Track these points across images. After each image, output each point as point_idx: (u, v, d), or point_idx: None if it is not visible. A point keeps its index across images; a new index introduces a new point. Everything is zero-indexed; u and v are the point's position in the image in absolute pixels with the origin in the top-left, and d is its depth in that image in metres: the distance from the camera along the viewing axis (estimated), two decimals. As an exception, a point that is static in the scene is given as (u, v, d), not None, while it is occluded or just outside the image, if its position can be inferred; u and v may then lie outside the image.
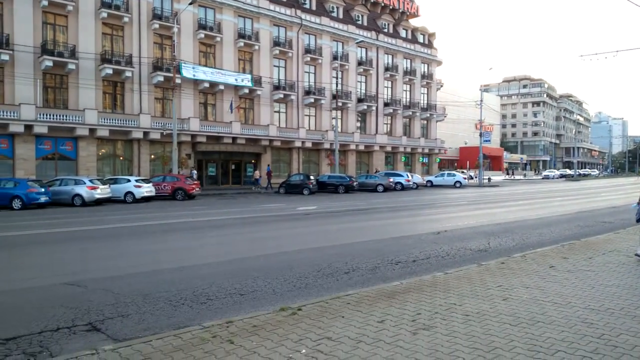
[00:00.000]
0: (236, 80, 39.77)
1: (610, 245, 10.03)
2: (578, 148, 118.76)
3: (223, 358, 4.16)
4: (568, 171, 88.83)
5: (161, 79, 35.27)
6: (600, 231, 12.91)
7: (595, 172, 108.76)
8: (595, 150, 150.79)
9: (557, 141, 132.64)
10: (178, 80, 33.81)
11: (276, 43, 43.35)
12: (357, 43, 44.88)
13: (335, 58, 47.64)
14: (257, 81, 41.27)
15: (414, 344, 4.39)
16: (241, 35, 40.74)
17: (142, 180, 27.06)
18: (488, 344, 4.37)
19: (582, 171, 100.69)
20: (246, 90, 40.63)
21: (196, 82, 37.92)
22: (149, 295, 6.64)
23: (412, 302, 5.81)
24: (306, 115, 46.96)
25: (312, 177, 35.47)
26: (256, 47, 41.62)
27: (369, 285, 7.00)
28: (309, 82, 46.47)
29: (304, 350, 4.28)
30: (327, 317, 5.23)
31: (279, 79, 43.89)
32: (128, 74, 33.98)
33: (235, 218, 17.53)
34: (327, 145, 46.04)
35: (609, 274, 7.29)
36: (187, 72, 36.49)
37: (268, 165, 42.48)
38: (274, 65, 43.76)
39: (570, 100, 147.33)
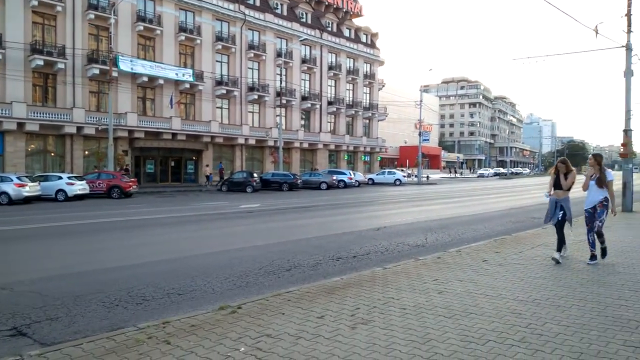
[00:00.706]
0: (177, 74, 38.79)
1: (539, 240, 10.60)
2: (511, 148, 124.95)
3: (159, 359, 4.04)
4: (502, 170, 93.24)
5: (97, 71, 33.77)
6: (529, 226, 13.62)
7: (527, 170, 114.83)
8: (526, 150, 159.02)
9: (492, 141, 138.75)
10: (115, 74, 32.53)
11: (219, 38, 42.65)
12: (301, 41, 44.99)
13: (279, 55, 47.47)
14: (198, 76, 40.44)
15: (352, 339, 4.45)
16: (182, 29, 39.76)
17: (75, 177, 25.78)
18: (423, 336, 4.51)
19: (514, 170, 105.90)
20: (187, 85, 39.72)
21: (134, 76, 36.63)
22: (80, 297, 6.34)
23: (352, 297, 5.89)
24: (250, 111, 46.54)
25: (255, 175, 35.18)
26: (198, 42, 40.76)
27: (310, 281, 7.02)
28: (252, 78, 46.06)
29: (242, 349, 4.23)
30: (267, 314, 5.21)
31: (221, 75, 43.21)
32: (60, 65, 32.31)
33: (175, 217, 17.10)
34: (271, 143, 45.84)
35: (536, 267, 7.70)
36: (125, 65, 35.17)
37: (220, 162, 41.77)
38: (217, 61, 43.04)
39: (504, 101, 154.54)
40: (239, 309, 5.37)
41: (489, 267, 7.68)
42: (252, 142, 44.86)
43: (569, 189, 8.07)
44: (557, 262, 7.84)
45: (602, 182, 7.83)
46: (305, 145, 50.56)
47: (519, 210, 19.39)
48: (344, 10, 58.66)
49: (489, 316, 5.11)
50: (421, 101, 53.92)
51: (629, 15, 17.80)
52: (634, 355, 4.07)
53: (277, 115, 45.19)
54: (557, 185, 8.11)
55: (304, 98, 50.96)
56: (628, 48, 18.02)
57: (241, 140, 43.83)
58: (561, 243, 8.12)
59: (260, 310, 5.35)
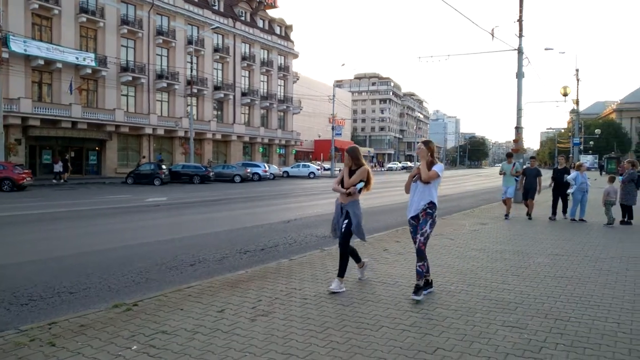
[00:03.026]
0: (77, 58, 36.24)
1: (437, 230, 11.17)
2: (418, 142, 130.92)
3: (40, 363, 3.77)
4: (409, 164, 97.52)
5: (-17, 51, 30.60)
6: (430, 217, 14.37)
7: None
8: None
9: (401, 136, 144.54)
10: (5, 55, 29.74)
11: (124, 21, 40.43)
12: (213, 29, 43.85)
13: (190, 42, 46.01)
14: (101, 61, 38.07)
15: (250, 331, 4.44)
16: (83, 10, 37.18)
17: (-43, 168, 23.27)
18: (321, 325, 4.61)
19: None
20: (89, 71, 37.26)
21: (28, 58, 33.70)
22: (-47, 299, 5.75)
23: (255, 289, 5.88)
24: (158, 100, 44.72)
25: (164, 167, 33.87)
26: (101, 24, 38.34)
27: (214, 275, 6.90)
28: (161, 65, 44.26)
29: (135, 347, 4.06)
30: (165, 310, 5.04)
31: (127, 60, 41.05)
32: (-62, 43, 28.88)
33: (73, 210, 16.02)
34: (181, 133, 44.36)
35: (432, 255, 8.12)
36: (17, 46, 32.24)
37: (159, 153, 39.87)
38: (122, 45, 40.82)
39: (413, 98, 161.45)
40: (134, 307, 5.14)
41: (389, 255, 8.02)
42: (160, 132, 43.14)
43: (352, 192, 5.84)
44: (333, 291, 5.70)
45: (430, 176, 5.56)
46: (218, 136, 49.54)
47: (422, 202, 20.36)
48: (258, 0, 58.00)
49: (385, 303, 5.34)
50: (334, 96, 54.88)
51: (520, 20, 19.30)
52: (511, 334, 4.44)
53: (187, 105, 43.81)
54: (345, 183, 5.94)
55: (216, 88, 49.84)
56: (520, 51, 19.54)
57: (149, 130, 41.99)
58: (343, 267, 5.89)
59: (158, 307, 5.17)
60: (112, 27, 39.41)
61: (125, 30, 40.24)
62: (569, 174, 13.47)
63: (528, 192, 13.93)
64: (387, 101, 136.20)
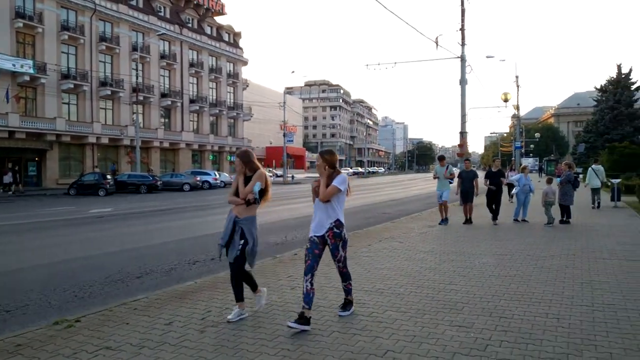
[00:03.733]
0: (14, 65, 34.53)
1: (387, 233, 11.41)
2: (368, 148, 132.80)
3: (-30, 388, 3.53)
4: (359, 169, 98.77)
5: None
6: (380, 221, 14.60)
7: (382, 170, 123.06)
8: (382, 151, 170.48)
9: (351, 142, 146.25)
10: None
11: (65, 27, 38.90)
12: (159, 35, 42.87)
13: (135, 49, 44.80)
14: (40, 68, 36.45)
15: (200, 342, 4.34)
16: (20, 15, 35.50)
17: None
18: (272, 333, 4.56)
19: (371, 169, 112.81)
20: (27, 78, 35.54)
21: (-41, 65, 31.75)
22: None
23: (204, 300, 5.76)
24: (102, 108, 43.25)
25: (109, 177, 32.70)
26: (40, 30, 36.73)
27: (162, 287, 6.71)
28: (104, 72, 42.85)
29: (76, 365, 3.88)
30: (110, 325, 4.85)
31: (68, 67, 39.48)
32: None
33: (10, 225, 15.18)
34: (127, 142, 43.01)
35: (382, 259, 8.27)
36: (-55, 51, 30.32)
37: (113, 163, 38.30)
38: (63, 52, 39.25)
39: (362, 105, 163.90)
40: (77, 323, 4.92)
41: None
42: (105, 141, 41.69)
43: (251, 201, 4.86)
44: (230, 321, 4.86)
45: (328, 193, 4.74)
46: (166, 144, 48.41)
47: (372, 207, 20.69)
48: (205, 7, 57.30)
49: (336, 308, 5.35)
50: (285, 103, 54.89)
51: (462, 30, 20.03)
52: (458, 333, 4.56)
53: (133, 113, 42.54)
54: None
55: (163, 95, 48.76)
56: (462, 59, 20.25)
57: (92, 139, 40.49)
58: (239, 293, 5.00)
59: (102, 322, 4.97)
60: (52, 33, 37.81)
61: (66, 37, 38.72)
62: (504, 176, 13.29)
63: (466, 196, 13.28)
64: (338, 108, 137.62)
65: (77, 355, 4.09)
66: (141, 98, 43.39)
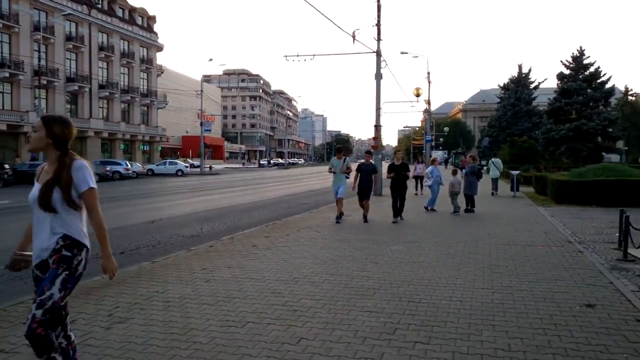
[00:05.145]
0: None
1: (305, 223, 11.53)
2: (288, 140, 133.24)
3: None
4: (280, 160, 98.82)
5: None
6: (299, 211, 14.73)
7: (302, 161, 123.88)
8: (302, 142, 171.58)
9: (272, 133, 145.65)
10: None
11: (-48, 1, 35.02)
12: (64, 15, 39.89)
13: (37, 29, 41.38)
14: None
15: (106, 340, 4.14)
16: None
17: None
18: (184, 327, 4.46)
19: (291, 160, 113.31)
20: None
21: None
22: None
23: (112, 296, 5.50)
24: (-2, 92, 39.60)
25: (7, 166, 30.07)
26: None
27: (66, 283, 6.30)
28: (2, 53, 39.20)
29: (-37, 371, 3.55)
30: (3, 326, 4.49)
31: (-43, 46, 35.64)
32: None
33: None
34: (28, 129, 39.71)
35: (300, 248, 8.35)
36: None
37: (15, 150, 34.69)
38: (-51, 28, 35.34)
39: (282, 96, 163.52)
40: (-37, 325, 4.50)
41: (257, 251, 8.03)
42: (2, 127, 38.26)
43: None
44: None
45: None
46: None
47: (291, 197, 20.80)
48: (117, -13, 54.10)
49: (251, 299, 5.33)
50: (202, 91, 53.35)
51: (378, 25, 20.55)
52: (369, 318, 4.71)
53: (35, 98, 39.34)
54: None
55: (70, 80, 45.57)
56: (378, 54, 20.81)
57: (-13, 126, 37.01)
58: None
59: (-6, 323, 4.58)
60: (-64, 5, 33.96)
61: (-47, 10, 34.98)
62: (408, 170, 12.44)
63: (364, 192, 12.01)
64: (257, 98, 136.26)
65: (-36, 360, 3.75)
66: (44, 82, 40.24)
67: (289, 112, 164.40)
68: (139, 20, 56.40)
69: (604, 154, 45.94)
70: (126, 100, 53.62)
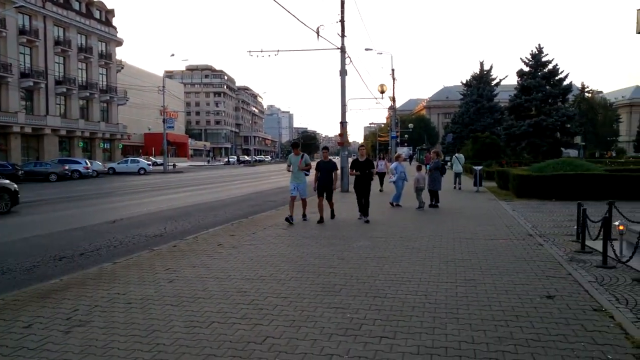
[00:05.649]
0: None
1: (271, 221, 11.45)
2: (254, 137, 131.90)
3: None
4: (246, 157, 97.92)
5: None
6: (265, 209, 14.62)
7: (269, 158, 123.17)
8: (268, 139, 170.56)
9: (237, 130, 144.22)
10: None
11: None
12: (16, 7, 38.28)
13: (-13, 22, 39.54)
14: None
15: (64, 344, 4.00)
16: None
17: None
18: (147, 329, 4.35)
19: (257, 157, 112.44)
20: None
21: None
22: None
23: (71, 298, 5.31)
24: (-54, 88, 37.68)
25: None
26: None
27: (22, 287, 6.06)
28: (-52, 47, 37.31)
29: None
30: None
31: None
32: None
33: None
34: (-21, 127, 38.04)
35: (266, 246, 8.29)
36: None
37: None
38: None
39: (247, 93, 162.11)
40: None
41: (223, 250, 7.93)
42: (-49, 125, 36.49)
43: None
44: None
45: None
46: (28, 130, 43.63)
47: (258, 195, 20.65)
48: (73, -21, 52.26)
49: (217, 298, 5.26)
50: (164, 87, 52.24)
51: (342, 21, 20.57)
52: (335, 315, 4.72)
53: (-13, 94, 37.65)
54: None
55: (24, 75, 43.78)
56: (342, 50, 20.84)
57: None
58: None
59: (-57, 330, 4.36)
60: None
61: None
62: (373, 166, 12.01)
63: (323, 191, 11.39)
64: (222, 94, 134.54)
65: None
66: (-4, 77, 38.55)
67: (254, 109, 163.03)
68: (96, 14, 54.70)
69: (562, 149, 47.60)
70: (85, 97, 51.96)
